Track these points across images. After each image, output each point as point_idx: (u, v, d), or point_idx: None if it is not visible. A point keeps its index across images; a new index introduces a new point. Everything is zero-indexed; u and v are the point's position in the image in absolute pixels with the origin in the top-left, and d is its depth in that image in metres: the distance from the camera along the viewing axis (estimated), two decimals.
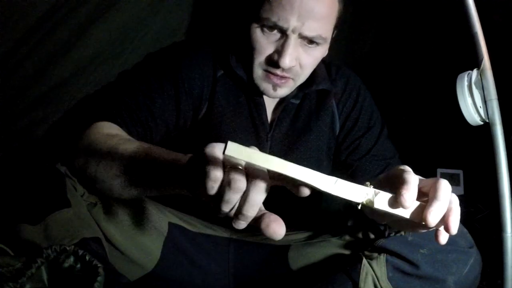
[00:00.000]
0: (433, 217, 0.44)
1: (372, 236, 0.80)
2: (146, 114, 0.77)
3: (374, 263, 0.71)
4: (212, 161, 0.42)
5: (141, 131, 0.76)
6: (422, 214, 0.45)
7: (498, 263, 0.80)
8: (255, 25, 0.74)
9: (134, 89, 0.79)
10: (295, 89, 0.84)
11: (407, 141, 1.09)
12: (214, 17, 1.04)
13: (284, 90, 0.80)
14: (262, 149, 0.44)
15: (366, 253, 0.74)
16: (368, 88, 0.95)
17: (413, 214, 0.46)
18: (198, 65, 0.83)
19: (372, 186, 0.45)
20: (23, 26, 0.80)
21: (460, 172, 1.28)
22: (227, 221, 0.45)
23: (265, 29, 0.74)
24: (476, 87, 0.82)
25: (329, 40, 0.78)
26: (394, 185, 0.48)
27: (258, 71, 0.78)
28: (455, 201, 0.47)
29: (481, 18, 0.80)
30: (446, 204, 0.46)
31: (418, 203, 0.46)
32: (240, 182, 0.42)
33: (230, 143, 0.38)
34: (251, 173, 0.43)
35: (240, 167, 0.42)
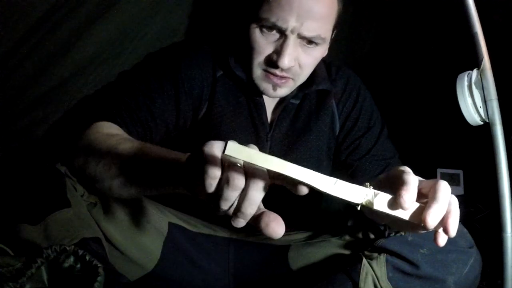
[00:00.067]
0: (432, 219, 0.44)
1: (372, 236, 0.80)
2: (146, 114, 0.77)
3: (374, 263, 0.71)
4: (210, 159, 0.43)
5: (141, 131, 0.76)
6: (421, 215, 0.45)
7: (498, 263, 0.80)
8: (254, 25, 0.74)
9: (134, 89, 0.79)
10: (295, 89, 0.84)
11: (407, 141, 1.09)
12: (214, 17, 1.04)
13: (284, 90, 0.80)
14: (262, 149, 0.44)
15: (366, 253, 0.74)
16: (368, 88, 0.95)
17: (412, 215, 0.46)
18: (198, 65, 0.83)
19: (371, 187, 0.45)
20: (23, 26, 0.80)
21: (460, 172, 1.28)
22: (227, 221, 0.45)
23: (264, 29, 0.74)
24: (476, 87, 0.82)
25: (328, 40, 0.78)
26: (393, 186, 0.48)
27: (258, 71, 0.78)
28: (455, 203, 0.47)
29: (481, 18, 0.80)
30: (446, 206, 0.46)
31: (417, 204, 0.46)
32: (238, 179, 0.42)
33: (230, 143, 0.38)
34: (250, 171, 0.43)
35: (238, 165, 0.42)
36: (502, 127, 0.79)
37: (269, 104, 0.87)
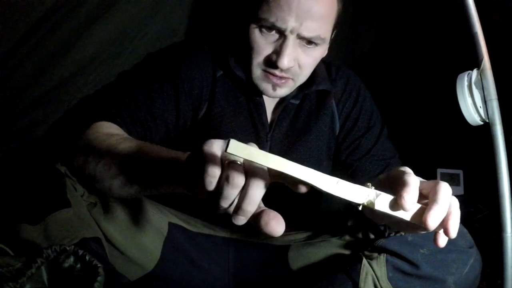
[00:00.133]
0: (432, 221, 0.44)
1: (372, 236, 0.80)
2: (145, 114, 0.77)
3: (374, 263, 0.71)
4: (210, 157, 0.43)
5: (140, 131, 0.76)
6: (422, 217, 0.45)
7: (498, 263, 0.80)
8: (253, 25, 0.74)
9: (134, 89, 0.79)
10: (295, 90, 0.84)
11: (407, 141, 1.09)
12: (214, 17, 1.04)
13: (284, 90, 0.80)
14: (261, 149, 0.44)
15: (366, 253, 0.74)
16: (368, 88, 0.95)
17: (413, 216, 0.46)
18: (197, 65, 0.83)
19: (373, 188, 0.45)
20: (23, 26, 0.80)
21: (460, 172, 1.28)
22: (227, 221, 0.45)
23: (264, 30, 0.74)
24: (476, 87, 0.82)
25: (328, 40, 0.78)
26: (394, 186, 0.48)
27: (257, 71, 0.78)
28: (455, 204, 0.47)
29: (481, 18, 0.80)
30: (446, 207, 0.46)
31: (418, 205, 0.46)
32: (238, 177, 0.42)
33: (232, 141, 0.38)
34: (250, 169, 0.43)
35: (238, 163, 0.42)
36: (502, 127, 0.79)
37: (269, 104, 0.87)
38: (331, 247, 0.82)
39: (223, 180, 0.42)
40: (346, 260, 0.76)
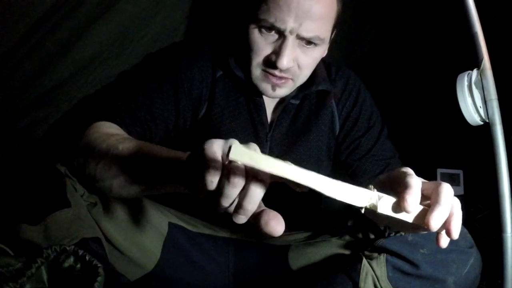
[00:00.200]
0: (435, 222, 0.45)
1: (372, 236, 0.80)
2: (145, 114, 0.77)
3: (374, 263, 0.71)
4: (211, 157, 0.43)
5: (140, 131, 0.76)
6: (424, 218, 0.45)
7: (498, 263, 0.80)
8: (252, 26, 0.74)
9: (133, 89, 0.79)
10: (295, 90, 0.83)
11: (407, 141, 1.09)
12: (214, 17, 1.04)
13: (284, 90, 0.80)
14: (261, 149, 0.44)
15: (366, 253, 0.74)
16: (368, 88, 0.95)
17: (415, 218, 0.46)
18: (197, 65, 0.83)
19: (375, 190, 0.45)
20: (23, 26, 0.80)
21: (460, 172, 1.28)
22: (227, 221, 0.45)
23: (263, 30, 0.74)
24: (476, 87, 0.82)
25: (327, 41, 0.78)
26: (395, 188, 0.48)
27: (256, 72, 0.78)
28: (457, 205, 0.47)
29: (481, 18, 0.80)
30: (448, 208, 0.46)
31: (420, 207, 0.46)
32: (239, 177, 0.42)
33: (233, 147, 0.38)
34: (251, 168, 0.43)
35: (239, 162, 0.42)
36: (502, 127, 0.79)
37: (269, 105, 0.87)
38: (331, 247, 0.82)
39: (224, 179, 0.42)
40: (346, 260, 0.76)
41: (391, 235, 0.74)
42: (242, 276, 0.85)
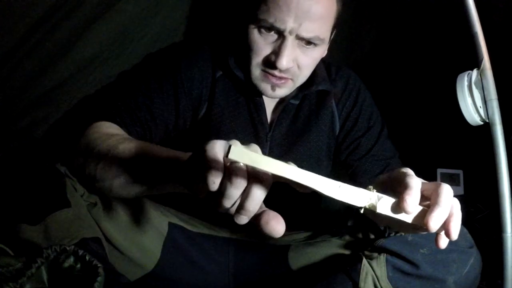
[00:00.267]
0: (434, 223, 0.45)
1: (372, 236, 0.80)
2: (145, 114, 0.77)
3: (374, 263, 0.71)
4: (212, 158, 0.42)
5: (140, 131, 0.76)
6: (424, 219, 0.45)
7: (498, 263, 0.80)
8: (252, 26, 0.74)
9: (133, 89, 0.79)
10: (294, 90, 0.83)
11: (407, 141, 1.09)
12: (213, 17, 1.04)
13: (284, 91, 0.80)
14: (261, 149, 0.44)
15: (366, 253, 0.74)
16: (368, 88, 0.95)
17: (415, 218, 0.47)
18: (197, 65, 0.83)
19: (375, 190, 0.45)
20: (23, 26, 0.80)
21: (460, 172, 1.28)
22: (227, 221, 0.45)
23: (262, 30, 0.74)
24: (476, 87, 0.82)
25: (327, 41, 0.78)
26: (395, 188, 0.48)
27: (256, 72, 0.78)
28: (457, 206, 0.47)
29: (481, 18, 0.80)
30: (448, 209, 0.46)
31: (420, 207, 0.47)
32: (241, 178, 0.42)
33: (232, 147, 0.38)
34: (252, 169, 0.43)
35: (241, 164, 0.42)
36: (502, 127, 0.79)
37: (269, 105, 0.87)
38: (331, 247, 0.82)
39: (226, 180, 0.42)
40: (346, 260, 0.76)
41: (391, 235, 0.74)
42: (242, 276, 0.85)
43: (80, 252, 0.46)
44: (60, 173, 0.64)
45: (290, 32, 0.71)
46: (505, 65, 0.93)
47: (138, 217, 0.75)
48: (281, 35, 0.73)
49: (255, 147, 0.44)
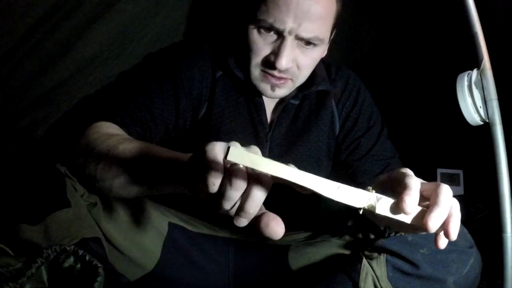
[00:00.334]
0: (433, 223, 0.45)
1: (372, 236, 0.80)
2: (145, 114, 0.77)
3: (374, 263, 0.71)
4: (212, 160, 0.42)
5: (140, 131, 0.76)
6: (423, 219, 0.45)
7: (498, 263, 0.80)
8: (251, 26, 0.74)
9: (133, 89, 0.79)
10: (294, 90, 0.83)
11: (407, 141, 1.09)
12: (213, 18, 1.04)
13: (283, 91, 0.80)
14: (261, 149, 0.44)
15: (366, 253, 0.74)
16: (368, 88, 0.95)
17: (414, 219, 0.47)
18: (197, 65, 0.83)
19: (374, 191, 0.45)
20: (23, 26, 0.80)
21: (460, 172, 1.28)
22: (228, 221, 0.45)
23: (262, 30, 0.73)
24: (476, 87, 0.82)
25: (327, 41, 0.78)
26: (395, 188, 0.48)
27: (255, 72, 0.78)
28: (456, 206, 0.47)
29: (481, 18, 0.80)
30: (447, 210, 0.46)
31: (419, 208, 0.47)
32: (241, 180, 0.42)
33: (231, 149, 0.38)
34: (252, 171, 0.43)
35: (241, 166, 0.42)
36: (502, 127, 0.79)
37: (269, 105, 0.87)
38: (331, 247, 0.82)
39: (226, 182, 0.42)
40: (346, 260, 0.76)
41: (391, 235, 0.74)
42: (242, 276, 0.85)
43: (80, 252, 0.46)
44: (60, 173, 0.64)
45: (290, 32, 0.71)
46: (505, 65, 0.93)
47: (138, 217, 0.75)
48: (280, 35, 0.73)
49: (255, 148, 0.44)
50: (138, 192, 0.61)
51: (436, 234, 0.48)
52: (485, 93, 0.80)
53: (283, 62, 0.72)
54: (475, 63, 0.82)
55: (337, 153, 0.92)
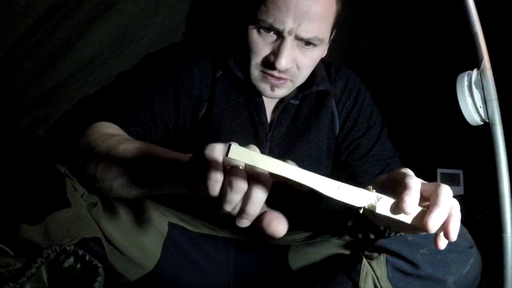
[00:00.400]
0: (433, 224, 0.45)
1: (372, 236, 0.80)
2: (145, 114, 0.77)
3: (374, 263, 0.71)
4: (212, 162, 0.42)
5: (140, 131, 0.76)
6: (423, 219, 0.45)
7: (498, 263, 0.80)
8: (251, 26, 0.74)
9: (133, 89, 0.79)
10: (294, 90, 0.83)
11: (407, 141, 1.09)
12: (213, 18, 1.04)
13: (283, 91, 0.80)
14: (261, 149, 0.44)
15: (366, 253, 0.74)
16: (368, 88, 0.95)
17: (414, 219, 0.47)
18: (197, 65, 0.83)
19: (374, 191, 0.45)
20: (23, 26, 0.80)
21: (460, 172, 1.28)
22: (228, 221, 0.45)
23: (262, 31, 0.73)
24: (476, 87, 0.82)
25: (327, 41, 0.78)
26: (395, 188, 0.48)
27: (255, 72, 0.78)
28: (456, 207, 0.47)
29: (481, 18, 0.80)
30: (447, 210, 0.46)
31: (419, 208, 0.47)
32: (241, 182, 0.42)
33: (232, 146, 0.38)
34: (252, 172, 0.43)
35: (241, 168, 0.42)
36: (502, 127, 0.79)
37: (269, 105, 0.87)
38: (331, 247, 0.82)
39: (226, 185, 0.42)
40: (346, 260, 0.76)
41: (391, 235, 0.74)
42: (242, 276, 0.85)
43: (80, 252, 0.46)
44: (60, 173, 0.64)
45: (289, 33, 0.71)
46: (505, 65, 0.93)
47: (138, 217, 0.75)
48: (280, 35, 0.73)
49: (254, 148, 0.44)
50: (138, 192, 0.61)
51: (436, 235, 0.48)
52: (485, 93, 0.80)
53: (283, 62, 0.72)
54: (475, 63, 0.82)
55: (337, 153, 0.92)
